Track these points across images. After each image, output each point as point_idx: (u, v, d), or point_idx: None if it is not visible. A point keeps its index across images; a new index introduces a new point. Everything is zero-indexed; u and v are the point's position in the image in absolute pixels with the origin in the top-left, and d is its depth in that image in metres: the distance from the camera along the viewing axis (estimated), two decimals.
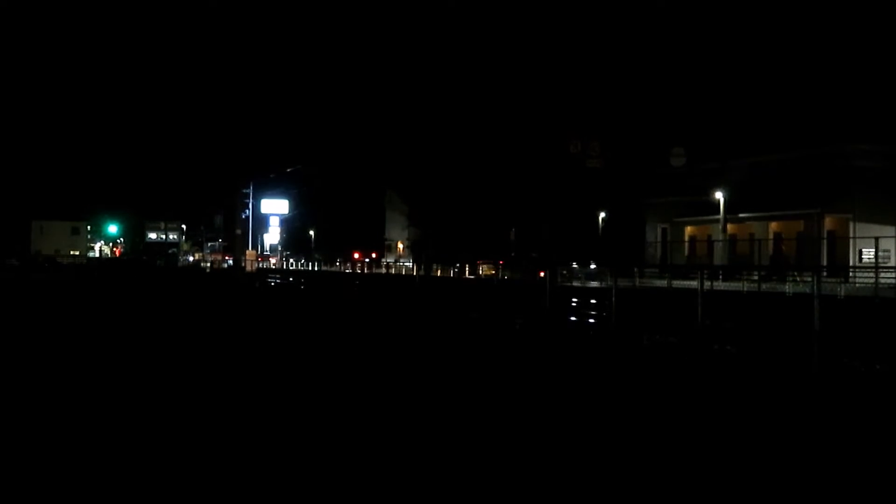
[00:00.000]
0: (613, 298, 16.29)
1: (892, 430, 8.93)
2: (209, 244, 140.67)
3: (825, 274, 40.65)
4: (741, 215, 52.60)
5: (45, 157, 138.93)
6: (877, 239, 41.00)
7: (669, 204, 61.30)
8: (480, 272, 68.04)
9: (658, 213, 63.27)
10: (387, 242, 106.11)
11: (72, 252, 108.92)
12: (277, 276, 69.75)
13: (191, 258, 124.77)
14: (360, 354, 14.69)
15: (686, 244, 59.41)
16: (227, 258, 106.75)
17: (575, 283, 42.63)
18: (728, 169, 53.56)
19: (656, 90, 70.79)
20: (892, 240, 42.38)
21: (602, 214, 63.84)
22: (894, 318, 21.65)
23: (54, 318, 22.61)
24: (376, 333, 18.67)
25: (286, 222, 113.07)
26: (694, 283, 22.77)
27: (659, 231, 63.73)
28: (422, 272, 62.37)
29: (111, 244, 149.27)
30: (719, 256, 52.36)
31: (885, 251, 43.34)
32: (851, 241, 46.87)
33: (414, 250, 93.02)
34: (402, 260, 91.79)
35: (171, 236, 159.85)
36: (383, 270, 79.10)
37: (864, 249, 46.08)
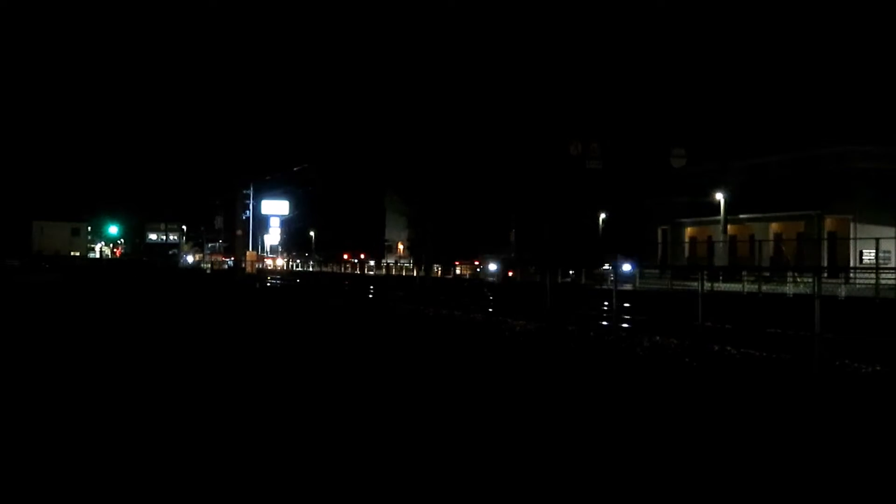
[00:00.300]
0: (614, 299, 16.32)
1: (894, 431, 8.93)
2: (209, 245, 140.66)
3: (825, 275, 40.68)
4: (741, 216, 52.62)
5: (45, 157, 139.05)
6: (877, 240, 41.02)
7: (670, 205, 61.30)
8: (458, 272, 68.24)
9: (658, 214, 63.28)
10: (387, 243, 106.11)
11: (72, 253, 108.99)
12: (278, 276, 69.82)
13: (190, 259, 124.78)
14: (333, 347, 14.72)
15: (686, 245, 59.43)
16: (227, 259, 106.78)
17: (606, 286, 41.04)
18: (728, 170, 53.58)
19: (656, 91, 70.86)
20: (893, 241, 42.38)
21: (602, 215, 63.88)
22: (895, 318, 21.66)
23: (53, 319, 22.62)
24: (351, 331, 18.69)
25: (286, 223, 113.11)
26: (694, 284, 22.77)
27: (659, 232, 63.74)
28: (422, 272, 62.43)
29: (111, 245, 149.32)
30: (720, 257, 52.38)
31: (885, 252, 43.34)
32: (852, 242, 46.89)
33: (414, 251, 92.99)
34: (402, 261, 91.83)
35: (171, 237, 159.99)
36: (382, 272, 79.14)
37: (864, 250, 46.10)
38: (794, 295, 32.96)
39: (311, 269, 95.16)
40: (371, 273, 78.65)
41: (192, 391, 11.16)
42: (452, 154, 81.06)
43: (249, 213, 73.78)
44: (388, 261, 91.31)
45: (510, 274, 52.17)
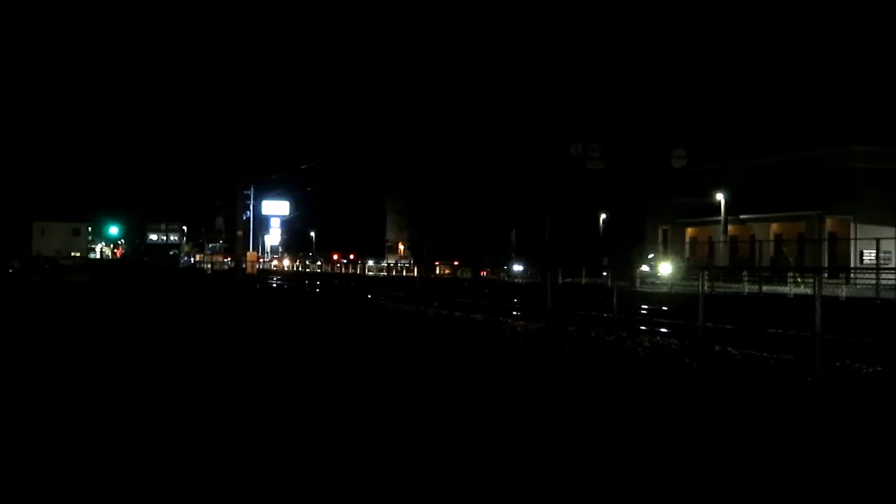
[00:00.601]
0: (615, 300, 16.34)
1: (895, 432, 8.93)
2: (210, 245, 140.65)
3: (826, 275, 40.67)
4: (742, 216, 52.63)
5: (46, 158, 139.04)
6: (878, 240, 41.02)
7: (670, 205, 61.32)
8: (437, 272, 68.23)
9: (659, 215, 63.30)
10: (388, 244, 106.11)
11: (73, 253, 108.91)
12: (279, 277, 69.85)
13: (190, 259, 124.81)
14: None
15: (687, 245, 59.43)
16: (227, 259, 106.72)
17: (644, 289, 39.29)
18: (729, 170, 53.64)
19: (657, 92, 70.87)
20: (893, 241, 42.39)
21: (603, 216, 63.88)
22: (895, 319, 21.65)
23: (53, 319, 22.62)
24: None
25: (287, 223, 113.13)
26: (695, 284, 22.76)
27: (660, 232, 63.76)
28: (422, 272, 62.41)
29: (112, 245, 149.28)
30: (720, 258, 52.37)
31: (885, 252, 43.36)
32: (852, 243, 46.90)
33: (414, 251, 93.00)
34: (402, 261, 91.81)
35: (171, 237, 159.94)
36: (383, 273, 79.12)
37: (865, 251, 46.11)
38: (795, 295, 32.95)
39: (318, 269, 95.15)
40: (371, 273, 78.64)
41: (192, 388, 11.18)
42: (453, 154, 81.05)
43: (250, 214, 73.80)
44: (389, 261, 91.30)
45: (483, 274, 51.47)
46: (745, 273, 40.15)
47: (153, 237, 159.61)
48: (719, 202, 49.16)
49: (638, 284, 42.55)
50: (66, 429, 8.90)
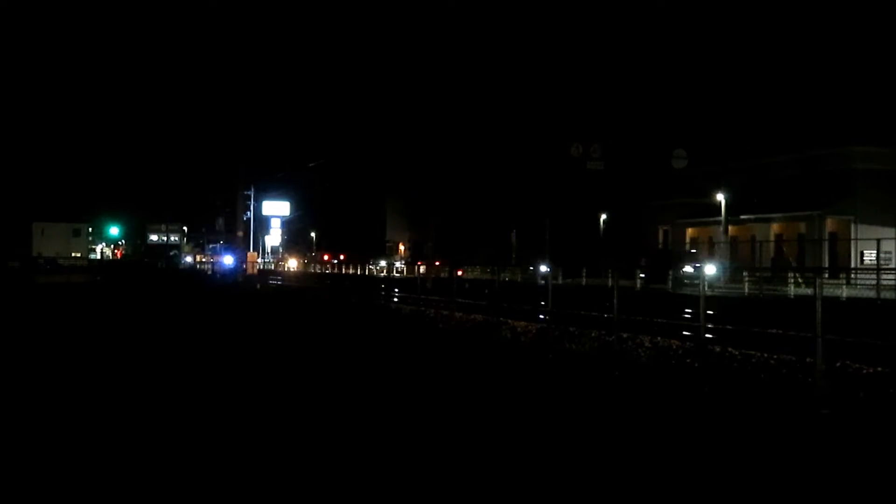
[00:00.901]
0: (615, 300, 16.31)
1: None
2: (210, 246, 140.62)
3: (826, 276, 40.67)
4: (742, 217, 52.63)
5: (46, 158, 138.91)
6: (878, 241, 41.03)
7: (671, 206, 61.36)
8: (419, 271, 68.02)
9: (659, 215, 63.31)
10: (388, 244, 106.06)
11: (73, 254, 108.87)
12: (279, 277, 69.82)
13: (190, 259, 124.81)
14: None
15: (688, 246, 59.45)
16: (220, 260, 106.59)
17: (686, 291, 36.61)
18: (729, 171, 53.65)
19: (657, 93, 70.84)
20: (894, 241, 42.41)
21: (603, 216, 63.88)
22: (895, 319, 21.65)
23: (54, 319, 22.63)
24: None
25: (287, 224, 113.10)
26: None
27: (661, 232, 63.78)
28: (423, 273, 62.29)
29: (112, 246, 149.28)
30: (721, 258, 52.37)
31: (886, 253, 43.37)
32: (853, 243, 46.91)
33: (414, 252, 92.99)
34: (401, 261, 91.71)
35: (172, 238, 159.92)
36: (385, 274, 79.12)
37: (865, 251, 46.13)
38: (796, 296, 32.96)
39: (325, 270, 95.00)
40: (375, 274, 78.61)
41: (193, 384, 11.19)
42: (454, 155, 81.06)
43: (250, 214, 73.76)
44: (385, 262, 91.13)
45: (459, 273, 50.56)
46: (745, 274, 40.01)
47: (153, 238, 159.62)
48: (719, 203, 49.17)
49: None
50: (67, 427, 8.91)
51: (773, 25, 76.76)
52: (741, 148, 57.47)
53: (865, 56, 62.70)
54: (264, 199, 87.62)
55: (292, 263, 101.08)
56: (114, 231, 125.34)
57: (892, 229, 44.18)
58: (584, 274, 48.11)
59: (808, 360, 11.96)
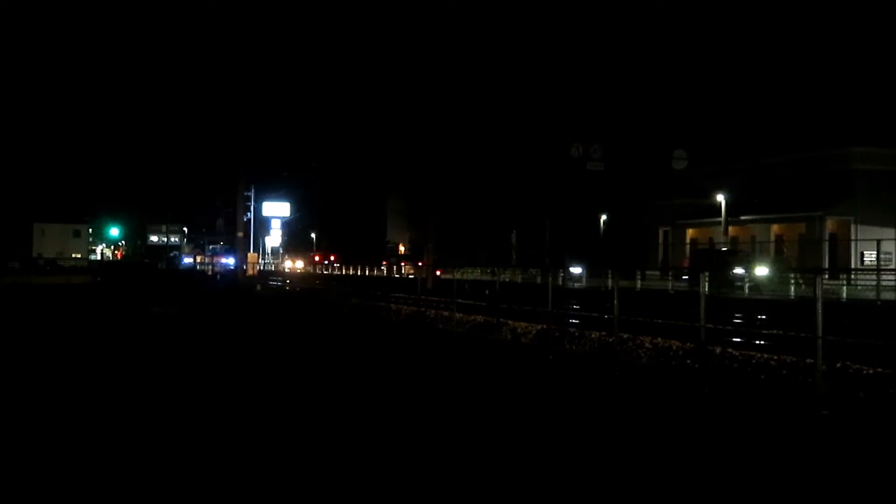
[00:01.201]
0: (615, 300, 16.31)
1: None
2: (210, 247, 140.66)
3: (826, 276, 40.60)
4: (743, 217, 52.64)
5: (46, 159, 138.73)
6: (878, 241, 41.02)
7: (671, 206, 61.37)
8: (403, 272, 67.87)
9: (659, 216, 63.31)
10: (389, 245, 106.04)
11: (73, 255, 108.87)
12: (279, 278, 69.82)
13: (190, 260, 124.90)
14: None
15: (688, 246, 59.47)
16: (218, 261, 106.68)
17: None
18: (730, 171, 53.62)
19: (658, 93, 70.81)
20: (894, 242, 42.40)
21: (603, 217, 63.87)
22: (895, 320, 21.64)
23: (56, 319, 22.63)
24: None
25: (288, 224, 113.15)
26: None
27: (661, 233, 63.78)
28: (422, 274, 62.12)
29: (112, 247, 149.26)
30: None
31: (886, 253, 43.36)
32: (853, 244, 46.90)
33: (414, 252, 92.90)
34: (402, 261, 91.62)
35: (172, 239, 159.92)
36: (386, 275, 79.09)
37: (865, 252, 46.12)
38: (796, 296, 32.93)
39: (325, 271, 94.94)
40: (376, 274, 78.58)
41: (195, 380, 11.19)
42: (454, 156, 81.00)
43: (251, 215, 73.79)
44: (385, 263, 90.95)
45: (438, 273, 49.95)
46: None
47: (154, 238, 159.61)
48: (720, 203, 49.18)
49: (639, 285, 41.42)
50: (68, 426, 8.91)
51: (773, 25, 76.70)
52: (741, 148, 57.46)
53: (865, 56, 62.72)
54: (264, 200, 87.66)
55: (292, 264, 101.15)
56: (114, 232, 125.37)
57: (893, 230, 44.18)
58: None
59: (807, 360, 11.95)
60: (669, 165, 46.40)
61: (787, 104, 60.90)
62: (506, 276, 49.14)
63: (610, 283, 27.10)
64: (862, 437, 8.72)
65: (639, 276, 43.89)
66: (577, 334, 17.47)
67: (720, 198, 49.07)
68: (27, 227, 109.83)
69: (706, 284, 14.62)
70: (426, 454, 7.92)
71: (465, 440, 8.47)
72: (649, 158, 49.51)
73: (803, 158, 53.04)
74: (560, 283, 43.21)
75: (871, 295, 32.60)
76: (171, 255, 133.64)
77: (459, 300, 23.60)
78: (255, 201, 74.61)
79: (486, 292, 28.40)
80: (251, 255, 66.75)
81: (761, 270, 39.06)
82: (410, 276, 65.90)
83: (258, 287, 48.24)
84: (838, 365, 12.07)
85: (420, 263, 65.65)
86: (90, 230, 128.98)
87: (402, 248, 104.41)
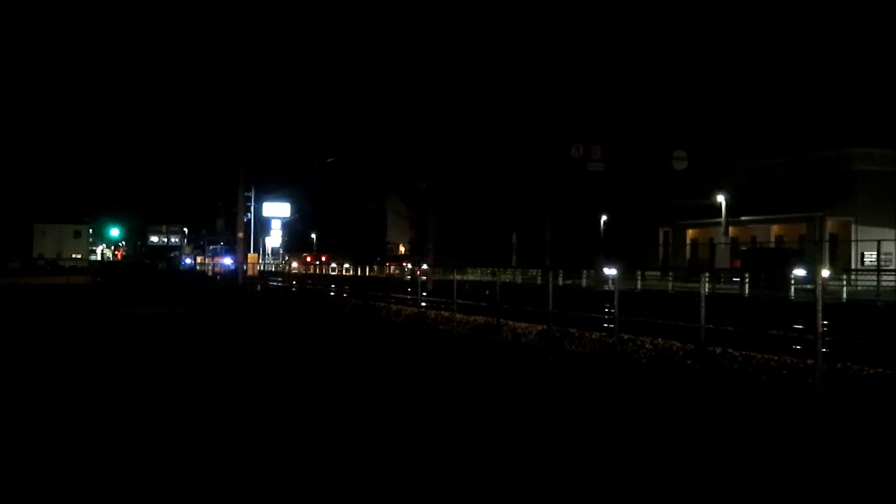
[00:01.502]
0: (616, 301, 16.30)
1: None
2: (211, 247, 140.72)
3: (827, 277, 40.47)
4: (743, 218, 52.62)
5: (46, 159, 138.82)
6: (879, 242, 41.00)
7: (671, 207, 61.34)
8: (390, 271, 67.79)
9: (660, 216, 63.29)
10: (389, 245, 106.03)
11: (74, 255, 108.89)
12: (279, 278, 69.86)
13: (190, 261, 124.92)
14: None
15: (688, 247, 59.46)
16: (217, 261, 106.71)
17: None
18: (730, 172, 53.56)
19: (658, 94, 70.89)
20: (894, 242, 42.37)
21: (604, 217, 63.86)
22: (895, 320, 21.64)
23: (57, 318, 22.63)
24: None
25: (288, 225, 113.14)
26: (694, 285, 22.72)
27: (661, 234, 63.77)
28: (423, 274, 62.10)
29: (113, 247, 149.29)
30: (721, 259, 52.34)
31: (886, 254, 43.32)
32: (853, 244, 46.88)
33: (414, 253, 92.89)
34: (402, 261, 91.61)
35: (172, 239, 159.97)
36: (386, 275, 79.03)
37: (865, 252, 46.09)
38: (796, 297, 32.86)
39: (324, 272, 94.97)
40: (374, 274, 78.50)
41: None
42: (454, 156, 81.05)
43: (251, 216, 73.78)
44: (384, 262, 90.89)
45: (423, 274, 49.39)
46: (746, 274, 39.36)
47: (154, 239, 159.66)
48: (720, 204, 49.15)
49: (639, 285, 41.02)
50: (70, 425, 8.92)
51: (773, 26, 76.70)
52: (741, 148, 57.46)
53: (865, 56, 62.75)
54: (265, 201, 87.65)
55: (293, 264, 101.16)
56: (114, 232, 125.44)
57: (893, 230, 44.16)
58: (584, 275, 47.39)
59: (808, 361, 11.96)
60: (669, 165, 46.38)
61: (788, 104, 60.97)
62: (506, 277, 49.15)
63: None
64: (862, 437, 8.72)
65: (639, 276, 43.82)
66: (576, 334, 17.48)
67: (720, 198, 49.05)
68: (27, 227, 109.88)
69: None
70: (427, 452, 7.93)
71: (464, 440, 8.48)
72: (649, 159, 49.53)
73: (803, 159, 53.04)
74: (584, 284, 42.73)
75: (872, 295, 32.56)
76: (172, 255, 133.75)
77: (460, 301, 23.62)
78: (255, 202, 74.61)
79: (487, 293, 28.40)
80: (251, 256, 66.79)
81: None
82: (410, 277, 65.86)
83: (258, 287, 48.29)
84: (839, 366, 12.08)
85: (421, 264, 65.69)
86: (90, 230, 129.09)
87: (402, 249, 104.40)
